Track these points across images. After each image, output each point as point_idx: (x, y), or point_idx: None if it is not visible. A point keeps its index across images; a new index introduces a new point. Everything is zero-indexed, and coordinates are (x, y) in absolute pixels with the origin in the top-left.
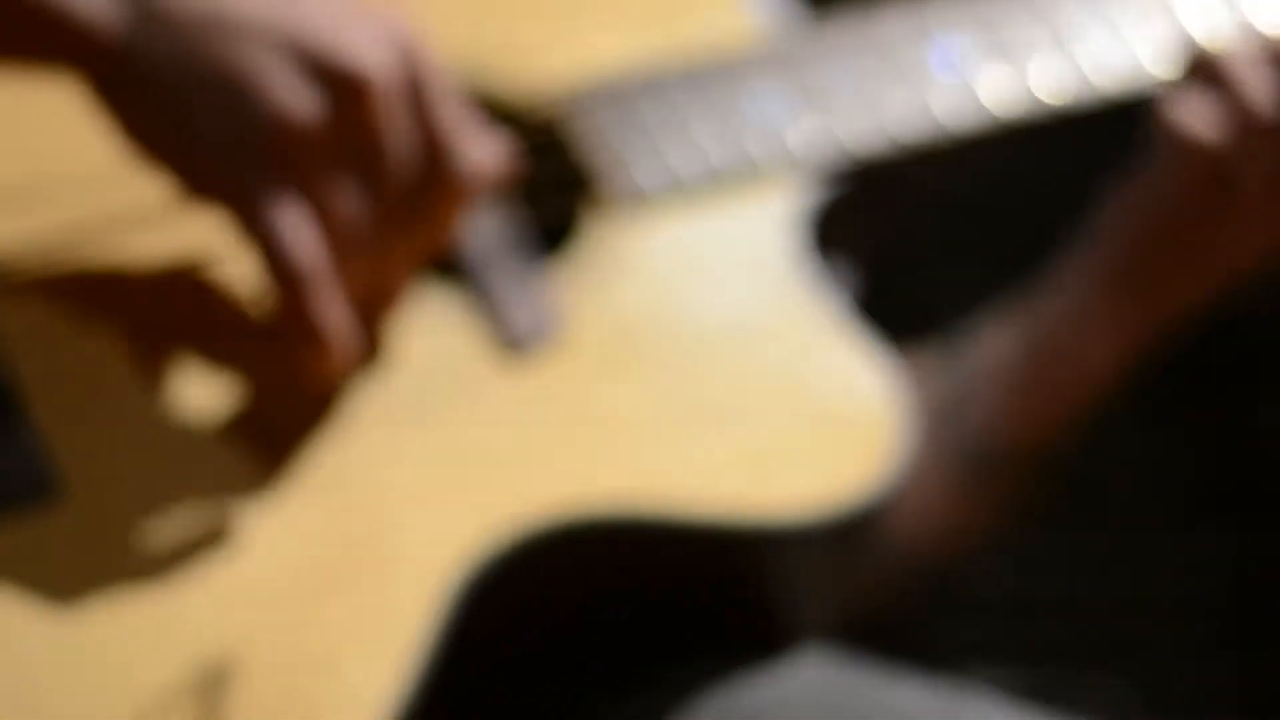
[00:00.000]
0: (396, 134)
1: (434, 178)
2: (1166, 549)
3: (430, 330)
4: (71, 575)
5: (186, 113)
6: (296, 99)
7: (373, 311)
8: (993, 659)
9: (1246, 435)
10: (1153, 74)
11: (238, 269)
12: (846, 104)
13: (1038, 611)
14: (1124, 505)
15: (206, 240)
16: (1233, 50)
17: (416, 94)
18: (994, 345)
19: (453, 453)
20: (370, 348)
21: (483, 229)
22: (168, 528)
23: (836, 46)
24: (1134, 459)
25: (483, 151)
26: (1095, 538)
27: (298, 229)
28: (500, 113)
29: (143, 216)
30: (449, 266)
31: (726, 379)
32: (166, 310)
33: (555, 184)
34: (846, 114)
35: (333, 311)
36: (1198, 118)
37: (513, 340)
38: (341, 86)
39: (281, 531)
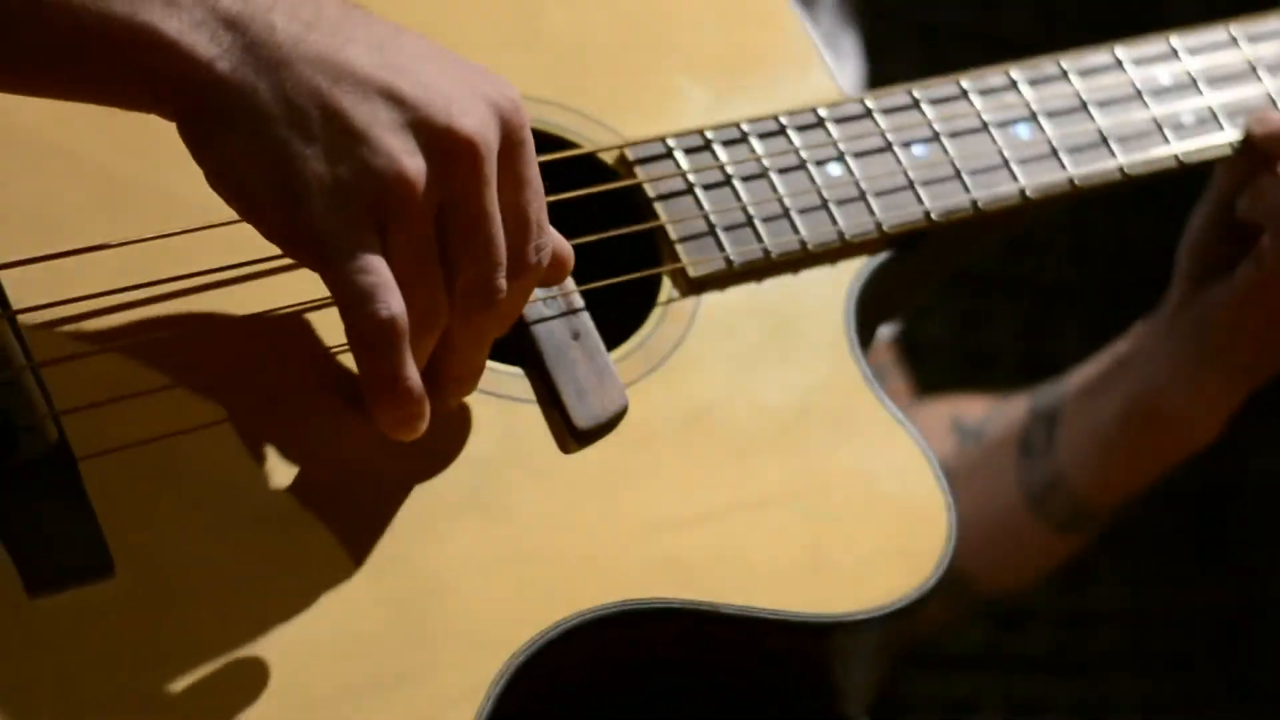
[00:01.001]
0: (490, 201)
1: (517, 252)
2: (1160, 601)
3: (498, 415)
4: (124, 648)
5: (287, 156)
6: (402, 152)
7: (444, 384)
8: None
9: (1235, 486)
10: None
11: (309, 326)
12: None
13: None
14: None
15: (274, 299)
16: None
17: (513, 167)
18: (1087, 407)
19: (515, 541)
20: (438, 420)
21: (553, 315)
22: (222, 601)
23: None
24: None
25: (547, 238)
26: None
27: (386, 290)
28: (585, 169)
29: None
30: (520, 351)
31: (788, 469)
32: (230, 376)
33: (634, 253)
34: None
35: (409, 374)
36: None
37: (579, 429)
38: (445, 147)
39: (337, 610)
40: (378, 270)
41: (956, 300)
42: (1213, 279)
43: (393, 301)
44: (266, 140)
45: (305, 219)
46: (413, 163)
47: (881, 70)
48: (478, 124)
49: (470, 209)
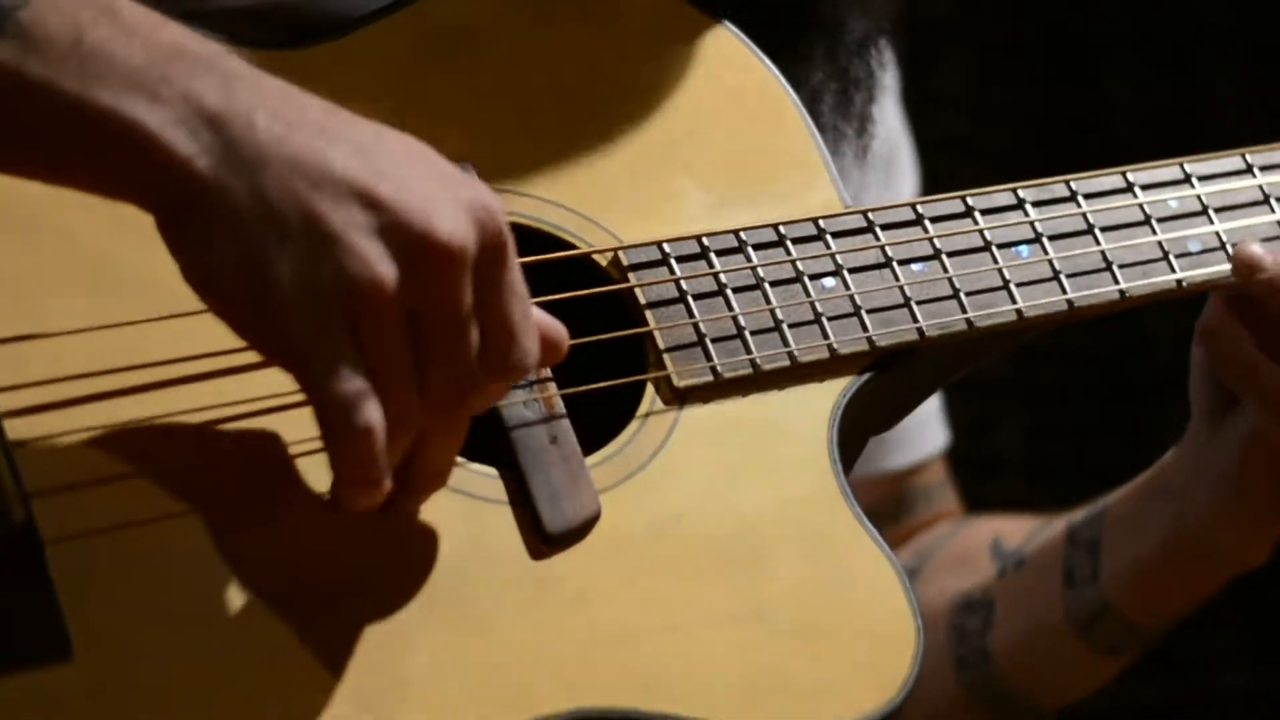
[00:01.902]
0: (462, 307)
1: (487, 356)
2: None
3: (469, 514)
4: None
5: (262, 258)
6: (378, 258)
7: (413, 481)
8: None
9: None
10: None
11: (281, 421)
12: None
13: None
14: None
15: (248, 391)
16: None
17: (492, 274)
18: (1128, 537)
19: (478, 643)
20: (407, 519)
21: (533, 418)
22: (180, 694)
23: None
24: None
25: (530, 342)
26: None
27: (364, 399)
28: (577, 270)
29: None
30: (496, 451)
31: (758, 584)
32: (202, 467)
33: (620, 357)
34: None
35: (383, 477)
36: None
37: (549, 534)
38: (420, 254)
39: (296, 710)
40: (354, 379)
41: (963, 409)
42: (1232, 409)
43: (371, 412)
44: (241, 241)
45: (277, 322)
46: (386, 269)
47: None
48: (455, 231)
49: (442, 315)
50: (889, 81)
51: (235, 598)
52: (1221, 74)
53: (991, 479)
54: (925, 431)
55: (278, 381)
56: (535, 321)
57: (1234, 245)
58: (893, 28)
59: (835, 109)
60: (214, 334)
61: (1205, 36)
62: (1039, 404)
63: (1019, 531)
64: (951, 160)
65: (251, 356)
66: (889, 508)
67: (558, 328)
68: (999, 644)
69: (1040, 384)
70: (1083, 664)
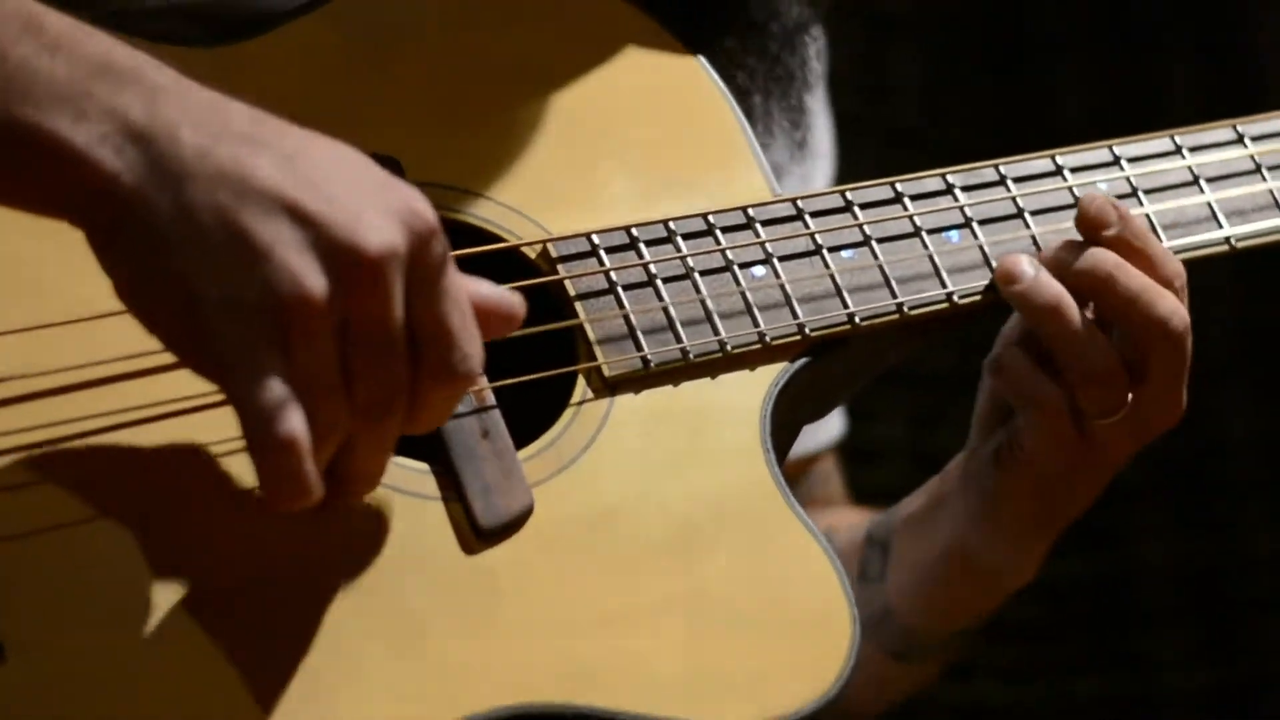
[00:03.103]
0: (392, 318)
1: (427, 364)
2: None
3: (402, 512)
4: None
5: (186, 271)
6: (305, 272)
7: (344, 483)
8: None
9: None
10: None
11: (206, 423)
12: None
13: None
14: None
15: (175, 393)
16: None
17: (425, 281)
18: (911, 542)
19: (412, 640)
20: (338, 516)
21: (463, 411)
22: (112, 698)
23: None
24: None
25: (471, 346)
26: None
27: (286, 407)
28: (506, 264)
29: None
30: (427, 447)
31: (693, 574)
32: (125, 468)
33: (551, 349)
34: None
35: (308, 481)
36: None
37: (483, 528)
38: (348, 265)
39: (224, 712)
40: (275, 388)
41: (908, 401)
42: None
43: (293, 419)
44: (167, 257)
45: (204, 336)
46: (315, 281)
47: None
48: (383, 241)
49: (371, 327)
50: (821, 69)
51: (161, 601)
52: (1171, 68)
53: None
54: (824, 422)
55: (195, 383)
56: (486, 296)
57: (1166, 228)
58: (831, 12)
59: (769, 101)
60: (126, 337)
61: (1155, 30)
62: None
63: (848, 525)
64: (904, 152)
65: (166, 358)
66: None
67: (506, 299)
68: None
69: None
70: (871, 669)
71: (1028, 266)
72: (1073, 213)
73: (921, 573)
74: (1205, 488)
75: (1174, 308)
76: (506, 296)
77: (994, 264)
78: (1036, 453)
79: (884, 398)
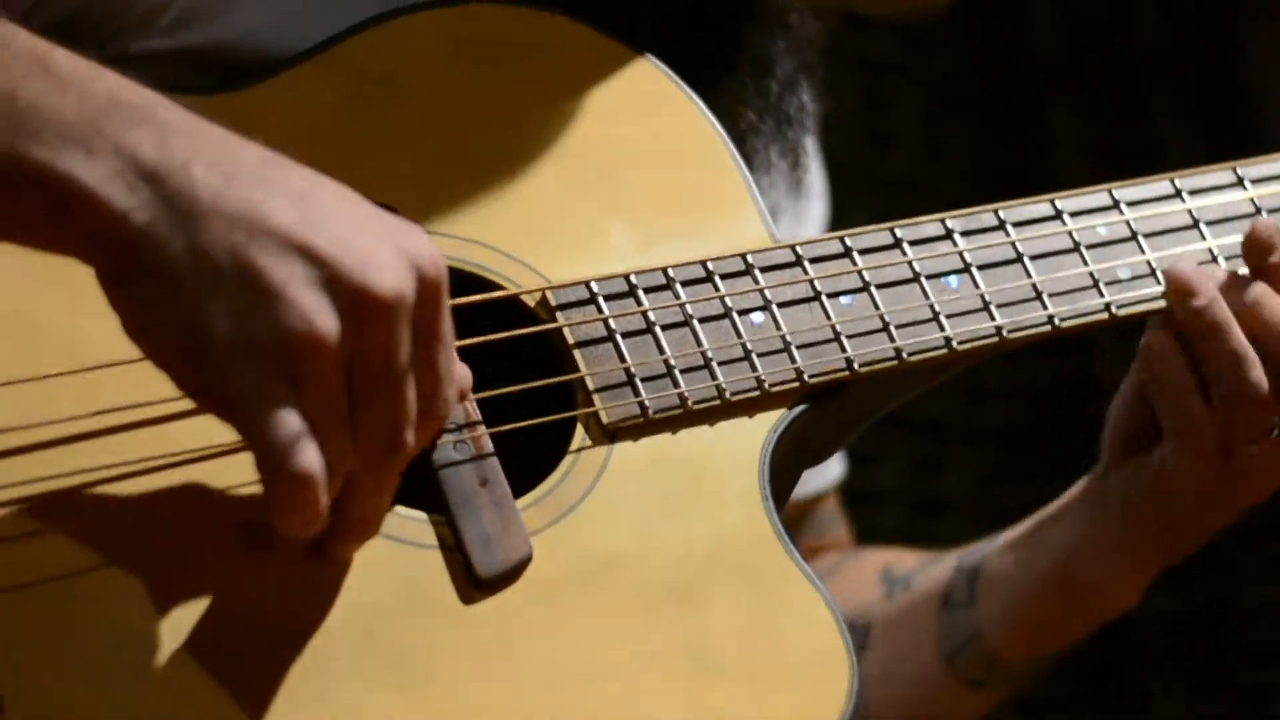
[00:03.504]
0: (401, 359)
1: (424, 403)
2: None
3: (400, 560)
4: None
5: (201, 311)
6: (317, 310)
7: (347, 528)
8: None
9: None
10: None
11: (205, 470)
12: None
13: None
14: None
15: (176, 444)
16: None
17: (428, 325)
18: (1009, 563)
19: (411, 690)
20: (338, 566)
21: (461, 459)
22: None
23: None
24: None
25: (452, 391)
26: None
27: (302, 442)
28: (505, 311)
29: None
30: (426, 496)
31: (692, 623)
32: (127, 517)
33: (550, 396)
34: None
35: (321, 513)
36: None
37: (481, 578)
38: (359, 306)
39: None
40: (291, 423)
41: (911, 447)
42: (1139, 449)
43: (309, 451)
44: (180, 295)
45: (216, 375)
46: (325, 321)
47: None
48: (393, 282)
49: (380, 366)
50: (815, 111)
51: (165, 650)
52: (1167, 112)
53: (943, 519)
54: (825, 464)
55: (195, 433)
56: None
57: (1165, 269)
58: (819, 60)
59: (769, 144)
60: (125, 386)
61: (1151, 74)
62: (990, 446)
63: (912, 560)
64: (904, 200)
65: (168, 409)
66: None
67: (463, 371)
68: (868, 668)
69: (991, 426)
70: (944, 695)
71: (1198, 278)
72: (1072, 256)
73: (1018, 592)
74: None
75: None
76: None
77: (994, 309)
78: (1179, 475)
79: (886, 443)
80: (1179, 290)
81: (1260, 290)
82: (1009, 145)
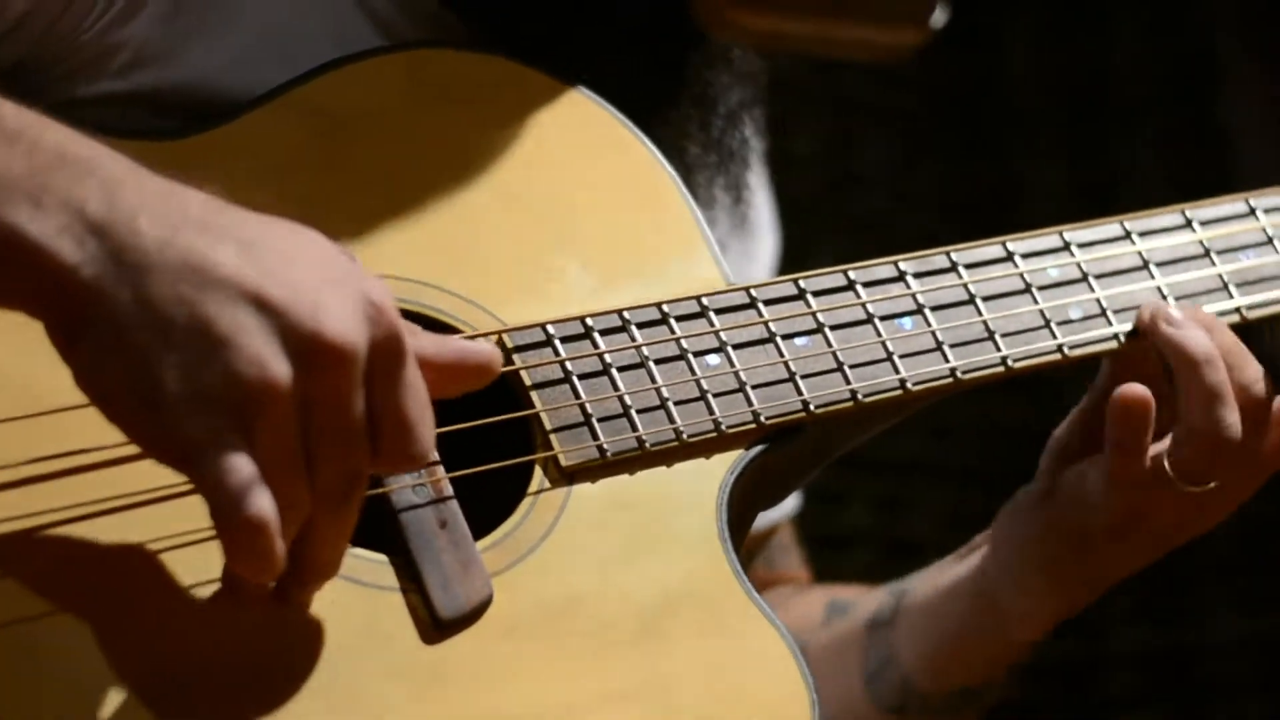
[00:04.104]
0: (354, 405)
1: (384, 450)
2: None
3: (361, 602)
4: None
5: (151, 364)
6: (269, 358)
7: (304, 571)
8: None
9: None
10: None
11: (161, 515)
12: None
13: None
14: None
15: (129, 486)
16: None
17: (385, 370)
18: (930, 585)
19: None
20: (299, 608)
21: (421, 502)
22: None
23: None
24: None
25: (427, 431)
26: None
27: (254, 489)
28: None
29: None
30: (386, 538)
31: (652, 663)
32: (81, 562)
33: (508, 438)
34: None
35: (278, 561)
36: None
37: (442, 619)
38: (311, 352)
39: None
40: (243, 470)
41: (878, 487)
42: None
43: (262, 499)
44: (130, 347)
45: (168, 426)
46: (278, 369)
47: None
48: (345, 328)
49: (333, 413)
50: (760, 147)
51: (120, 694)
52: (1139, 156)
53: (912, 560)
54: None
55: (149, 476)
56: (460, 349)
57: (1116, 312)
58: (763, 95)
59: (713, 179)
60: (81, 431)
61: (1123, 118)
62: (959, 485)
63: (858, 592)
64: (872, 240)
65: (121, 452)
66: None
67: (478, 350)
68: None
69: (960, 465)
70: None
71: (1177, 312)
72: (1024, 297)
73: (932, 612)
74: (1172, 575)
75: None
76: (479, 348)
77: (947, 349)
78: (1094, 494)
79: (854, 483)
80: (1162, 318)
81: (1233, 340)
82: (979, 186)
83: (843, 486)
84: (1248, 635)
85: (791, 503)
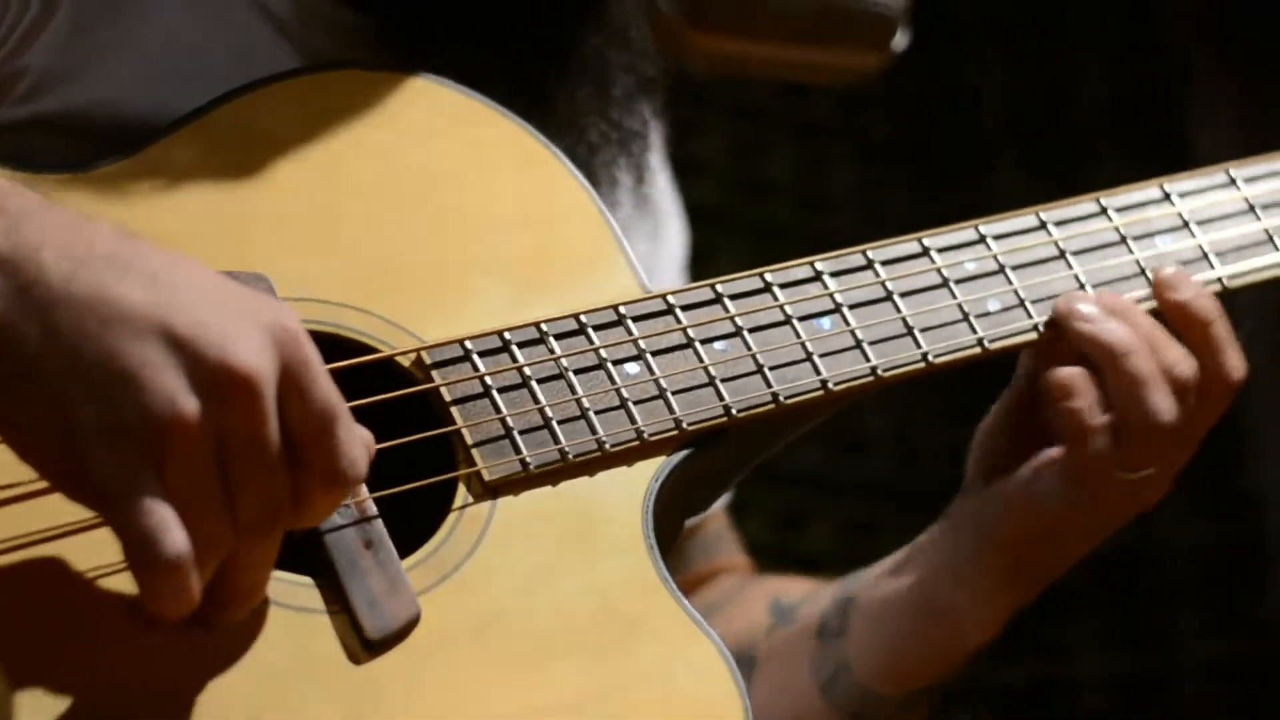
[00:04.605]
0: (268, 433)
1: (305, 474)
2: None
3: (289, 626)
4: None
5: (59, 398)
6: (177, 392)
7: (229, 599)
8: None
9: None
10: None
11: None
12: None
13: None
14: None
15: (44, 522)
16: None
17: (295, 394)
18: (877, 591)
19: None
20: (225, 633)
21: (345, 523)
22: None
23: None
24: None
25: (354, 450)
26: None
27: (167, 528)
28: (382, 374)
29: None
30: (311, 561)
31: (583, 673)
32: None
33: (431, 455)
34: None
35: (193, 599)
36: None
37: (369, 639)
38: (219, 384)
39: None
40: (156, 509)
41: (776, 500)
42: (1001, 473)
43: (176, 539)
44: (38, 385)
45: (79, 464)
46: (187, 403)
47: None
48: (253, 358)
49: (247, 443)
50: (656, 135)
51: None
52: (1108, 178)
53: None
54: None
55: (67, 508)
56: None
57: (1035, 303)
58: (660, 82)
59: (615, 159)
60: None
61: (1092, 140)
62: (923, 510)
63: (800, 590)
64: None
65: (38, 485)
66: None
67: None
68: (756, 698)
69: (925, 489)
70: None
71: (1092, 305)
72: (941, 292)
73: (884, 624)
74: (1139, 597)
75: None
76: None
77: (867, 347)
78: (1046, 497)
79: (816, 507)
80: (1066, 313)
81: (1151, 324)
82: (948, 208)
83: (805, 511)
84: (1216, 657)
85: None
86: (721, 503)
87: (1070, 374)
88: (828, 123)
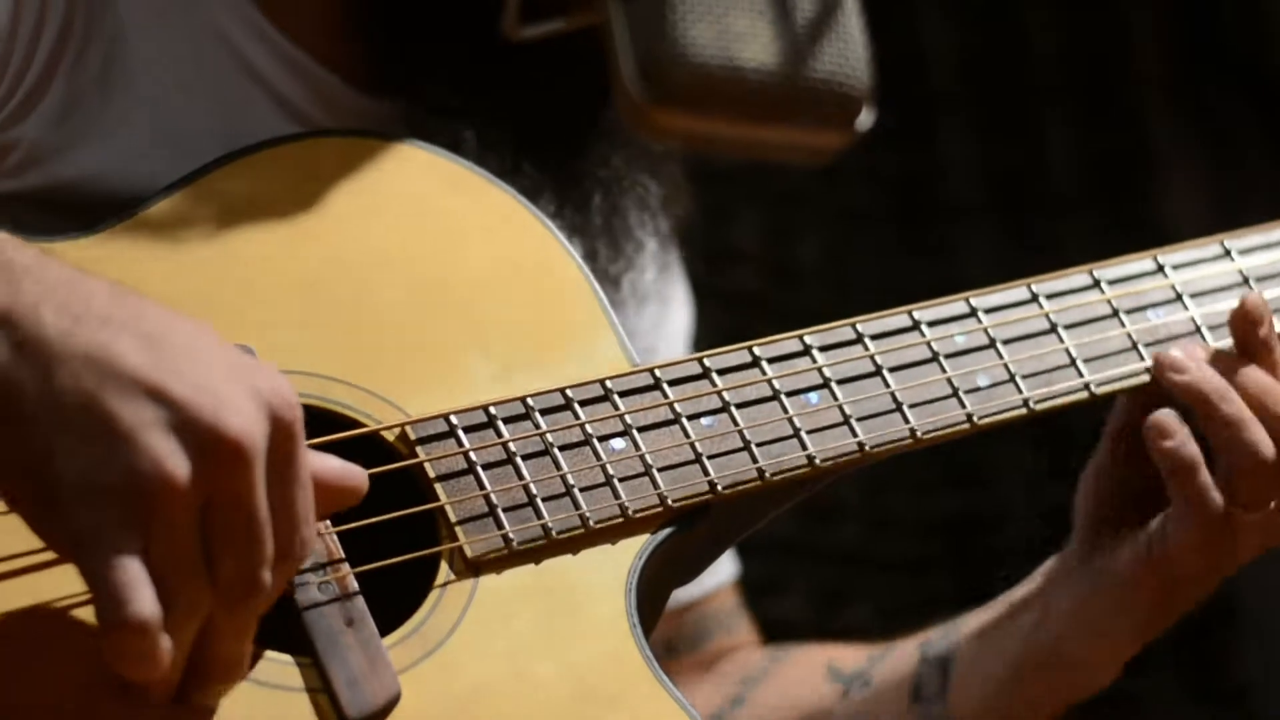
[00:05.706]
0: (257, 500)
1: (281, 544)
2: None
3: (268, 705)
4: None
5: (50, 451)
6: (168, 454)
7: (209, 670)
8: None
9: None
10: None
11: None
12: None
13: None
14: None
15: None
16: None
17: (282, 465)
18: (981, 651)
19: None
20: (205, 714)
21: (326, 599)
22: None
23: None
24: None
25: (313, 530)
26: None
27: (137, 588)
28: (366, 447)
29: None
30: (292, 638)
31: None
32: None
33: (414, 531)
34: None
35: (161, 663)
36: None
37: (349, 716)
38: (211, 448)
39: None
40: (127, 569)
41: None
42: (1114, 529)
43: (144, 600)
44: (30, 438)
45: (61, 515)
46: (177, 465)
47: None
48: (246, 424)
49: (235, 510)
50: (659, 226)
51: None
52: (1080, 246)
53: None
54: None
55: (68, 582)
56: (331, 470)
57: (1025, 376)
58: (680, 189)
59: (642, 222)
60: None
61: (1062, 208)
62: (895, 576)
63: (855, 656)
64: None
65: (38, 559)
66: (686, 636)
67: (350, 473)
68: None
69: (897, 557)
70: None
71: (1187, 357)
72: (931, 366)
73: (995, 681)
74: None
75: None
76: (350, 471)
77: (854, 423)
78: (1181, 548)
79: (790, 574)
80: (1168, 366)
81: (1245, 364)
82: (920, 279)
83: (779, 577)
84: None
85: (730, 567)
86: (728, 577)
87: (1163, 415)
88: (797, 192)
